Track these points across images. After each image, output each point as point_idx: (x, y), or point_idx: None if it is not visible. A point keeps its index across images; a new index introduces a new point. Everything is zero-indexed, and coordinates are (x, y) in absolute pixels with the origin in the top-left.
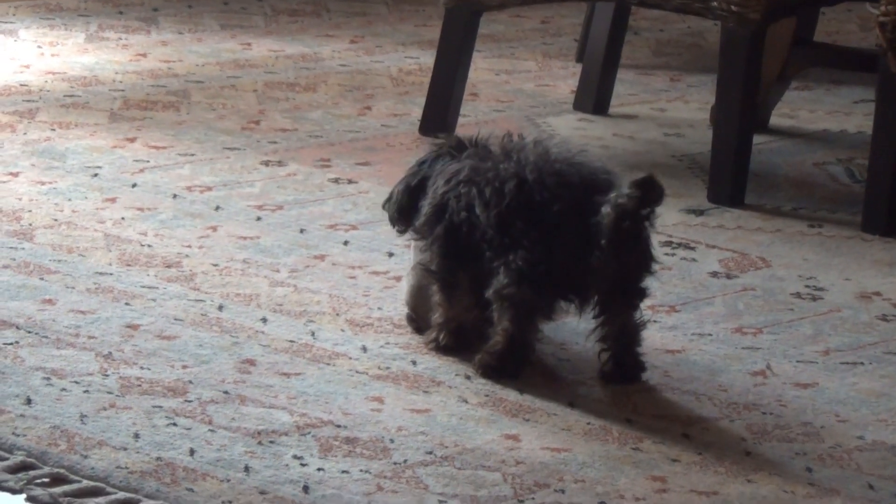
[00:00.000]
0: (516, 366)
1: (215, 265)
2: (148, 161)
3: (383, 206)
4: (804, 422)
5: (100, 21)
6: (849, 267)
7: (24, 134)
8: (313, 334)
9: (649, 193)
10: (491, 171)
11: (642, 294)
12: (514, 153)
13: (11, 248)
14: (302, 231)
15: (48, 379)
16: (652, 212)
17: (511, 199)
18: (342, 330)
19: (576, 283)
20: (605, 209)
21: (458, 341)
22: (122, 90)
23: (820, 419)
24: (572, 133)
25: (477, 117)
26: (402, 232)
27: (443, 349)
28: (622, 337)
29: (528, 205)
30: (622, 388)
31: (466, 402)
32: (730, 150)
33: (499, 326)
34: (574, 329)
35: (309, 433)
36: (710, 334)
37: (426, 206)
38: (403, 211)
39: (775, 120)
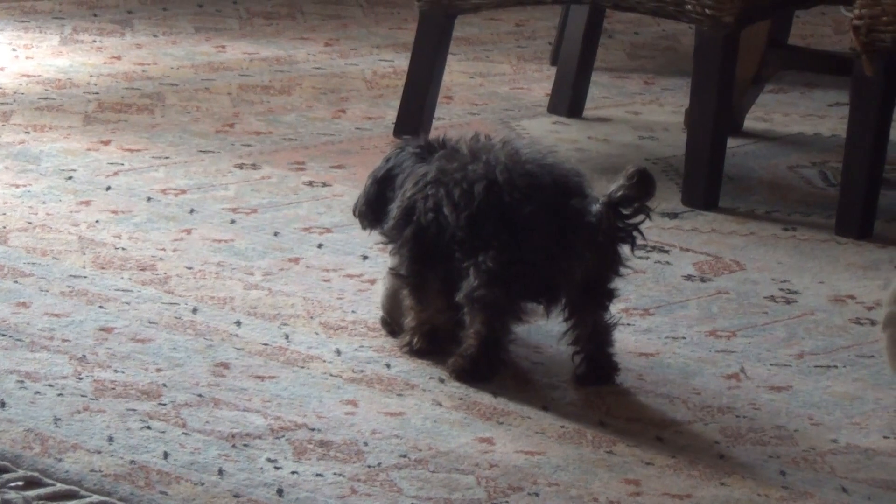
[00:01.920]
0: (490, 368)
1: (189, 268)
2: (122, 164)
3: (354, 213)
4: (778, 425)
5: (74, 24)
6: (822, 270)
7: None
8: (287, 337)
9: (644, 186)
10: (459, 172)
11: (612, 295)
12: (482, 154)
13: None
14: (276, 234)
15: (22, 382)
16: (647, 205)
17: (481, 201)
18: (316, 333)
19: (547, 285)
20: (596, 207)
21: (431, 344)
22: (97, 93)
23: (793, 422)
24: (547, 136)
25: (451, 120)
26: (369, 227)
27: (416, 353)
28: (594, 338)
29: (498, 206)
30: (596, 391)
31: (440, 405)
32: (704, 153)
33: (471, 329)
34: (548, 332)
35: (283, 436)
36: (684, 337)
37: (394, 210)
38: (371, 203)
39: (749, 123)
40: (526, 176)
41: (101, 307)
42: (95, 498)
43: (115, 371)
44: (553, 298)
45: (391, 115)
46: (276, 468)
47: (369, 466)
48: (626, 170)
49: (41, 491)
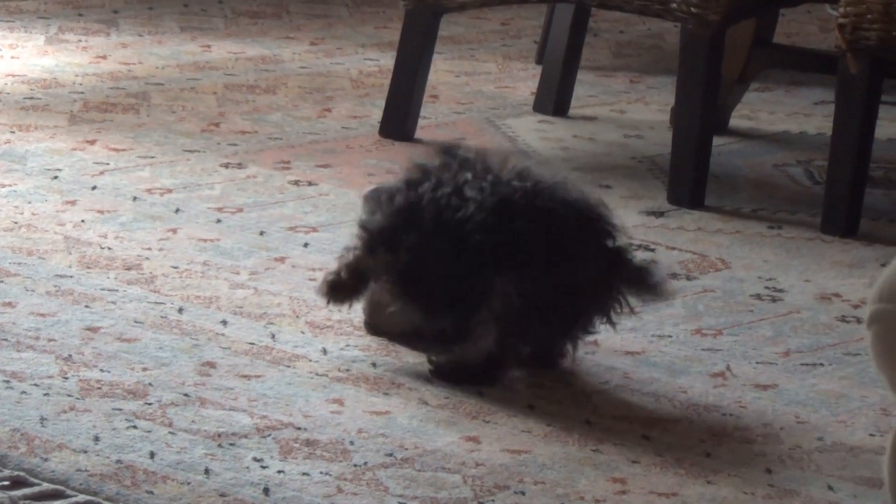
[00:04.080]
0: (482, 380)
1: (175, 267)
2: (108, 163)
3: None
4: (764, 423)
5: (59, 23)
6: (808, 268)
7: None
8: (273, 336)
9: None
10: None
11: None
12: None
13: None
14: (262, 233)
15: (8, 382)
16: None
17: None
18: (302, 332)
19: (578, 318)
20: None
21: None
22: (82, 92)
23: (779, 420)
24: (532, 134)
25: (437, 119)
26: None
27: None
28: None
29: (554, 230)
30: (582, 389)
31: (427, 404)
32: (690, 151)
33: (479, 340)
34: None
35: (269, 435)
36: (670, 336)
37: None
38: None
39: (735, 121)
40: (574, 208)
41: (86, 307)
42: (82, 497)
43: (101, 370)
44: (566, 332)
45: (377, 114)
46: (263, 467)
47: (355, 465)
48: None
49: (27, 490)
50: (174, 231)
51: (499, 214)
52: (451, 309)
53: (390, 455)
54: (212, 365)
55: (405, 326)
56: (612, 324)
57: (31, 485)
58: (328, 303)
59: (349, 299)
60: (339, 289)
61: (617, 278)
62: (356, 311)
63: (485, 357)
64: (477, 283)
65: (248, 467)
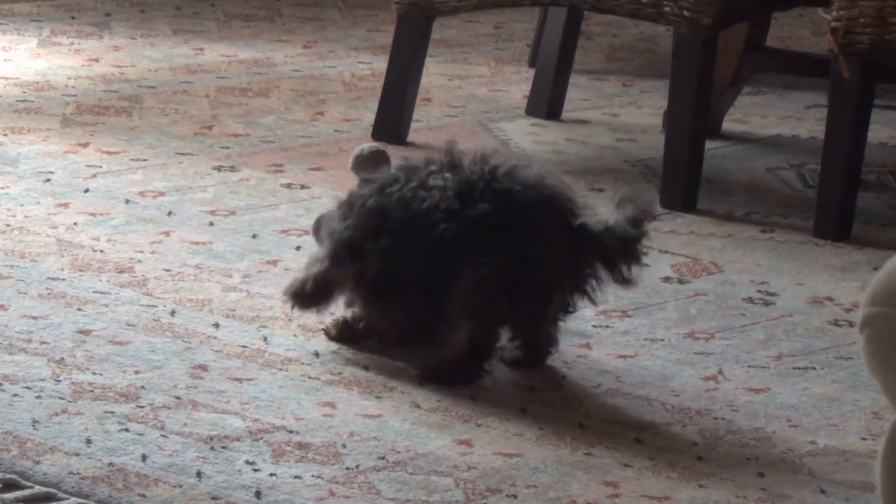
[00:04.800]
0: (468, 376)
1: (168, 270)
2: (100, 166)
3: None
4: (756, 427)
5: (52, 26)
6: (801, 272)
7: None
8: (266, 339)
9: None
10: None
11: (570, 311)
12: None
13: None
14: (254, 236)
15: (0, 384)
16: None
17: (487, 205)
18: (294, 335)
19: (543, 298)
20: (600, 228)
21: (342, 334)
22: (75, 95)
23: (772, 424)
24: (525, 138)
25: (430, 122)
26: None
27: (332, 339)
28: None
29: (507, 212)
30: (574, 393)
31: (419, 407)
32: (682, 155)
33: (458, 335)
34: None
35: (261, 438)
36: (663, 339)
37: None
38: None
39: (727, 125)
40: (534, 188)
41: (79, 309)
42: (73, 500)
43: (94, 373)
44: (541, 312)
45: (369, 117)
46: (255, 470)
47: (347, 468)
48: (634, 209)
49: (19, 493)
50: (167, 234)
51: (460, 200)
52: (425, 302)
53: (382, 458)
54: (204, 368)
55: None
56: (592, 300)
57: (23, 487)
58: (292, 308)
59: (313, 308)
60: (304, 299)
61: (585, 253)
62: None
63: (466, 348)
64: (445, 271)
65: (240, 470)
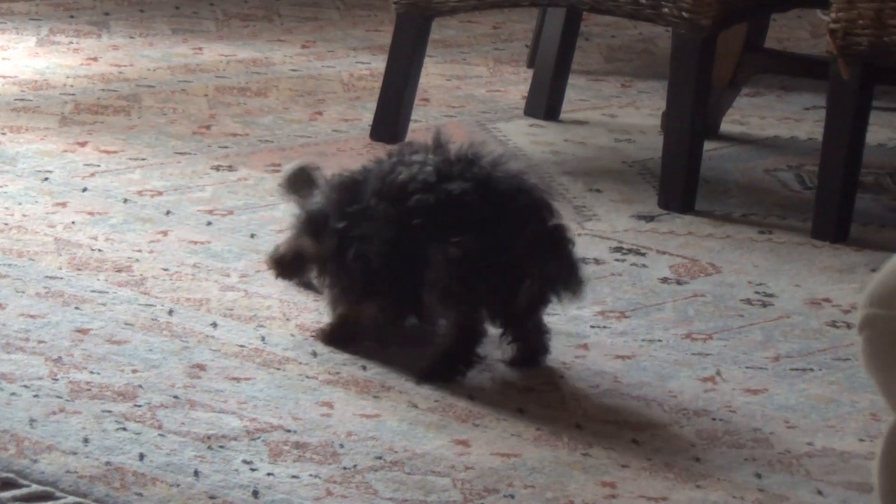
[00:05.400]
0: (464, 366)
1: (166, 270)
2: (99, 165)
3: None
4: (753, 428)
5: (51, 25)
6: (799, 273)
7: None
8: (263, 339)
9: None
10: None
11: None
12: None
13: None
14: (252, 236)
15: None
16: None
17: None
18: (292, 335)
19: (517, 283)
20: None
21: (343, 336)
22: (73, 94)
23: (769, 425)
24: (523, 138)
25: (428, 122)
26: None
27: (331, 343)
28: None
29: (485, 196)
30: (572, 393)
31: (416, 407)
32: (680, 156)
33: (446, 326)
34: None
35: (259, 438)
36: (660, 340)
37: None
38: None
39: (726, 126)
40: (514, 178)
41: (77, 308)
42: (71, 499)
43: (91, 372)
44: (511, 297)
45: (368, 117)
46: (252, 470)
47: (345, 468)
48: None
49: (16, 492)
50: (165, 233)
51: (438, 176)
52: (396, 280)
53: (380, 458)
54: (202, 367)
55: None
56: (560, 298)
57: (21, 486)
58: (276, 278)
59: (294, 278)
60: (282, 266)
61: (557, 251)
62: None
63: (454, 339)
64: (416, 245)
65: (237, 470)
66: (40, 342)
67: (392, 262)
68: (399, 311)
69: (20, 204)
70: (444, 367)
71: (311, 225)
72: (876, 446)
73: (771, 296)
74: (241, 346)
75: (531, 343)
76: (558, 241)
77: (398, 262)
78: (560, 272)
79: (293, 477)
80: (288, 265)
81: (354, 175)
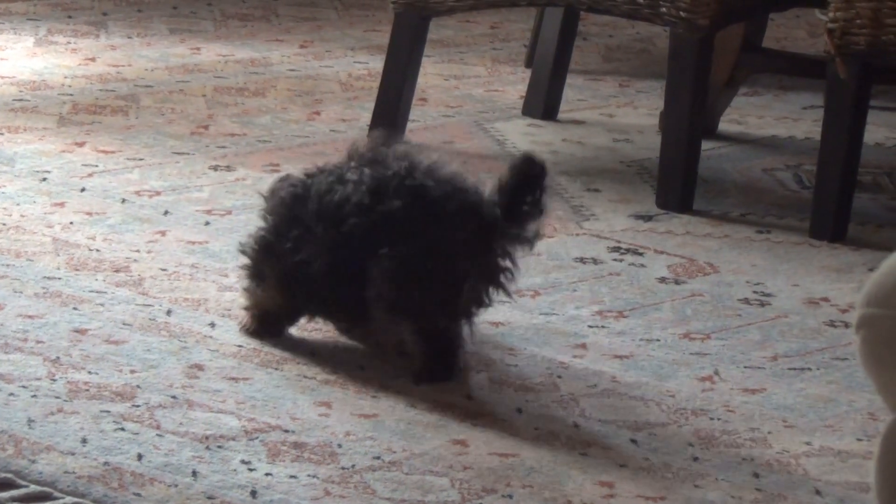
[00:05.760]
0: (447, 368)
1: (164, 270)
2: (97, 165)
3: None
4: (751, 427)
5: (49, 25)
6: (797, 273)
7: None
8: (261, 339)
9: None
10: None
11: (483, 304)
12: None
13: None
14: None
15: None
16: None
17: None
18: (290, 335)
19: (453, 286)
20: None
21: (261, 326)
22: (71, 94)
23: (767, 425)
24: (521, 138)
25: (426, 122)
26: None
27: (249, 333)
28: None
29: (418, 201)
30: (570, 393)
31: (414, 407)
32: (678, 155)
33: (408, 339)
34: (521, 335)
35: (257, 438)
36: (658, 340)
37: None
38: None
39: (724, 126)
40: (446, 183)
41: (75, 309)
42: (69, 499)
43: (89, 372)
44: (453, 303)
45: (366, 117)
46: (250, 470)
47: (343, 468)
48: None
49: (14, 492)
50: (163, 233)
51: (371, 196)
52: (338, 297)
53: (378, 458)
54: (200, 367)
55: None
56: (507, 292)
57: (19, 486)
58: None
59: (277, 335)
60: (261, 333)
61: (494, 243)
62: None
63: (423, 346)
64: (355, 266)
65: (235, 470)
66: (38, 342)
67: (335, 283)
68: (341, 320)
69: (18, 204)
70: (435, 372)
71: (261, 265)
72: (874, 446)
73: (769, 295)
74: (240, 346)
75: (439, 354)
76: (486, 242)
77: (341, 283)
78: (487, 273)
79: (291, 477)
80: (263, 328)
81: (297, 190)
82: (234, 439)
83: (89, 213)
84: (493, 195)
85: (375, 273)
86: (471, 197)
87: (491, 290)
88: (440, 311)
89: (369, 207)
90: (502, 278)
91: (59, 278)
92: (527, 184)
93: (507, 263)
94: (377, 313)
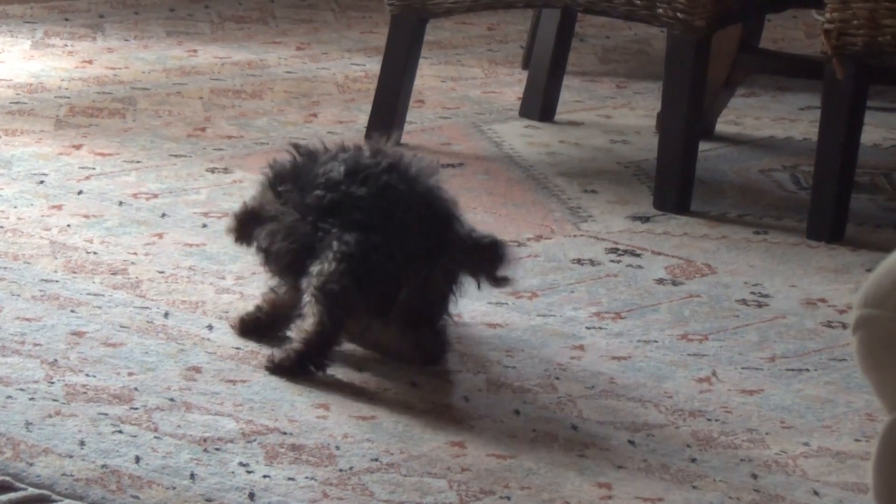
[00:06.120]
0: (317, 365)
1: (161, 272)
2: (94, 168)
3: None
4: (749, 428)
5: (46, 28)
6: (794, 274)
7: None
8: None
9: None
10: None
11: (444, 312)
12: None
13: None
14: None
15: None
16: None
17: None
18: (287, 337)
19: (395, 288)
20: (468, 234)
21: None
22: (68, 97)
23: (765, 426)
24: (518, 139)
25: (423, 124)
26: None
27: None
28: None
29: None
30: (567, 394)
31: (412, 408)
32: (676, 156)
33: (309, 321)
34: (519, 337)
35: (255, 440)
36: (656, 341)
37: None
38: None
39: (721, 127)
40: (424, 194)
41: (72, 311)
42: (67, 502)
43: (87, 375)
44: (389, 306)
45: (363, 119)
46: (248, 472)
47: (341, 470)
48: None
49: (13, 495)
50: (160, 236)
51: (347, 176)
52: (289, 269)
53: (376, 460)
54: (197, 370)
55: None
56: (452, 293)
57: (17, 489)
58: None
59: (249, 240)
60: (239, 227)
61: (448, 259)
62: None
63: (312, 337)
64: (311, 240)
65: (233, 472)
66: (36, 345)
67: (295, 251)
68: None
69: (15, 207)
70: (295, 364)
71: (277, 181)
72: (872, 446)
73: (766, 296)
74: (237, 348)
75: (424, 347)
76: (438, 254)
77: (299, 250)
78: (438, 285)
79: (289, 479)
80: (245, 226)
81: (282, 168)
82: (231, 441)
83: (86, 216)
84: (461, 232)
85: (326, 253)
86: (438, 210)
87: (436, 298)
88: (365, 313)
89: (337, 184)
90: (451, 292)
91: (57, 281)
92: (483, 266)
93: (451, 287)
94: (306, 287)
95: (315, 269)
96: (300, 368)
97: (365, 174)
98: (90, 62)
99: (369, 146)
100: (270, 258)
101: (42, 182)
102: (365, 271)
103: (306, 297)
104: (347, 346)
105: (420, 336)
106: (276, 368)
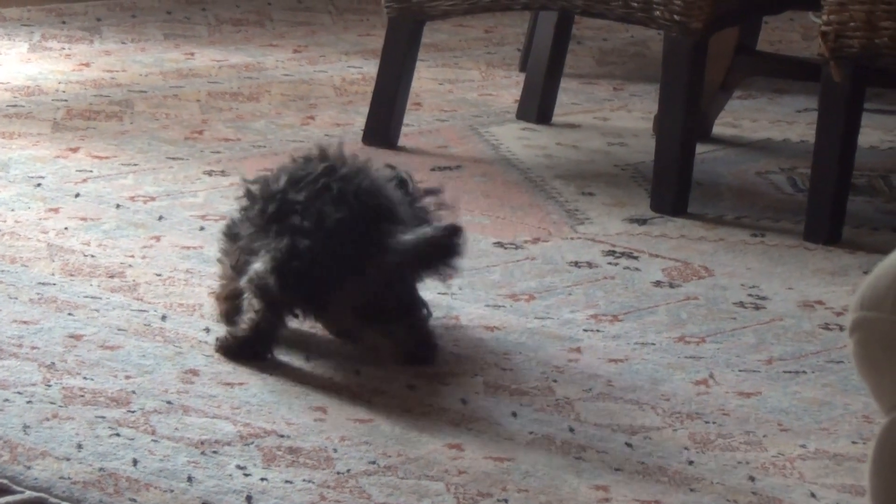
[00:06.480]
0: (255, 354)
1: (158, 275)
2: (91, 171)
3: None
4: (747, 430)
5: (43, 31)
6: (791, 276)
7: None
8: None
9: (447, 249)
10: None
11: (417, 307)
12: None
13: None
14: None
15: None
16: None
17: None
18: (285, 339)
19: (324, 292)
20: (405, 239)
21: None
22: (65, 100)
23: (762, 428)
24: (515, 142)
25: (420, 127)
26: None
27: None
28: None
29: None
30: (565, 397)
31: (410, 411)
32: (673, 159)
33: (247, 314)
34: (516, 340)
35: (252, 443)
36: (653, 343)
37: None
38: None
39: (718, 129)
40: (367, 197)
41: (69, 314)
42: None
43: (84, 378)
44: (323, 308)
45: (360, 121)
46: (246, 475)
47: (338, 473)
48: (440, 224)
49: (10, 498)
50: (157, 239)
51: (289, 184)
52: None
53: (373, 463)
54: (195, 372)
55: None
56: (410, 288)
57: (14, 492)
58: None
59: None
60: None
61: (386, 246)
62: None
63: (249, 328)
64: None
65: (231, 475)
66: (33, 348)
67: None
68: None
69: (13, 210)
70: (238, 350)
71: (233, 227)
72: (869, 448)
73: (764, 298)
74: None
75: (404, 343)
76: (372, 253)
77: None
78: (367, 288)
79: (287, 482)
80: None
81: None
82: (229, 444)
83: (84, 219)
84: (408, 229)
85: (263, 254)
86: (380, 215)
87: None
88: (303, 309)
89: (282, 192)
90: (372, 293)
91: (54, 284)
92: (427, 261)
93: (402, 283)
94: (246, 281)
95: (251, 267)
96: (243, 351)
97: (305, 181)
98: (87, 65)
99: (318, 152)
100: (238, 272)
101: (39, 185)
102: (290, 271)
103: (245, 292)
104: (343, 349)
105: (395, 333)
106: (222, 350)
